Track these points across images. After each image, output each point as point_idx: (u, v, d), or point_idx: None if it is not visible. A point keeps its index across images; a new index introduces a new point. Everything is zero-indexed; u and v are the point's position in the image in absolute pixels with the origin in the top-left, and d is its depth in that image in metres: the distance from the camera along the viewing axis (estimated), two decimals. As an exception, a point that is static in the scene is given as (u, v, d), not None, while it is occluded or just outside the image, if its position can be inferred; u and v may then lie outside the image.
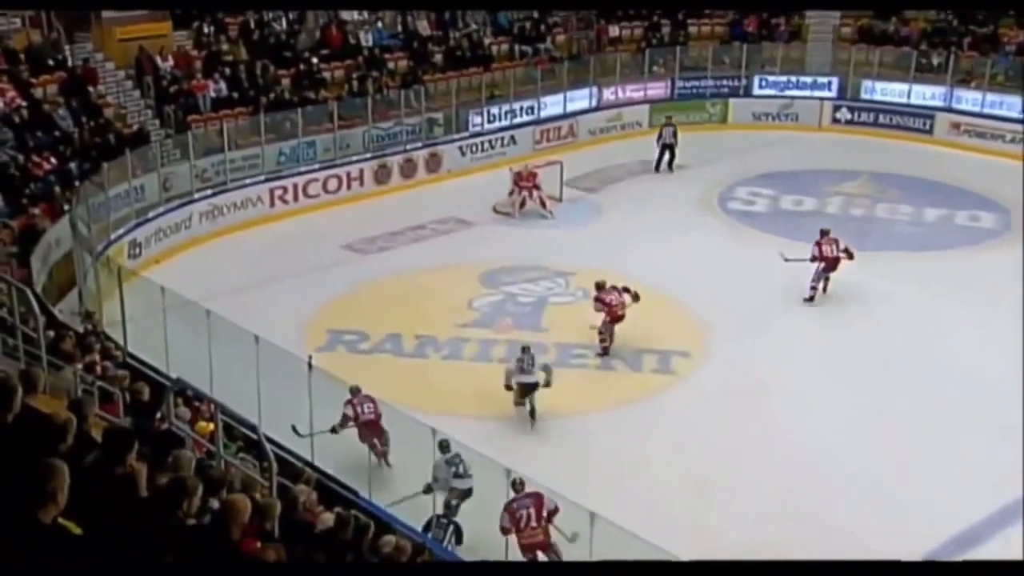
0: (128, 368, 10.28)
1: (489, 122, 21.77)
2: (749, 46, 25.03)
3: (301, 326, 14.08)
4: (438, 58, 22.71)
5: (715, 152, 21.37)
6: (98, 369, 9.74)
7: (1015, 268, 15.80)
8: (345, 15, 22.23)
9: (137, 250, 15.95)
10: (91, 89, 17.86)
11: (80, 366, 9.38)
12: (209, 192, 17.66)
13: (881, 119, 23.82)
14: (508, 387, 11.78)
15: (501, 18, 24.27)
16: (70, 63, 18.17)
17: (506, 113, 22.06)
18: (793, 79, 24.78)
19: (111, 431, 5.45)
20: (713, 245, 17.25)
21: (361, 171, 19.71)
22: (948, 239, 17.57)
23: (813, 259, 14.72)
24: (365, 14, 22.60)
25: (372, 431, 10.69)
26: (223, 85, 19.45)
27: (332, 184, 19.32)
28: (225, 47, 20.31)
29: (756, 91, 24.71)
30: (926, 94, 23.42)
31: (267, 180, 18.48)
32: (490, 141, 21.57)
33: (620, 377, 13.06)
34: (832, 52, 25.22)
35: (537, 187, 18.85)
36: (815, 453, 11.11)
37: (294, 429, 10.31)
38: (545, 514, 8.90)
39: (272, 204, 18.29)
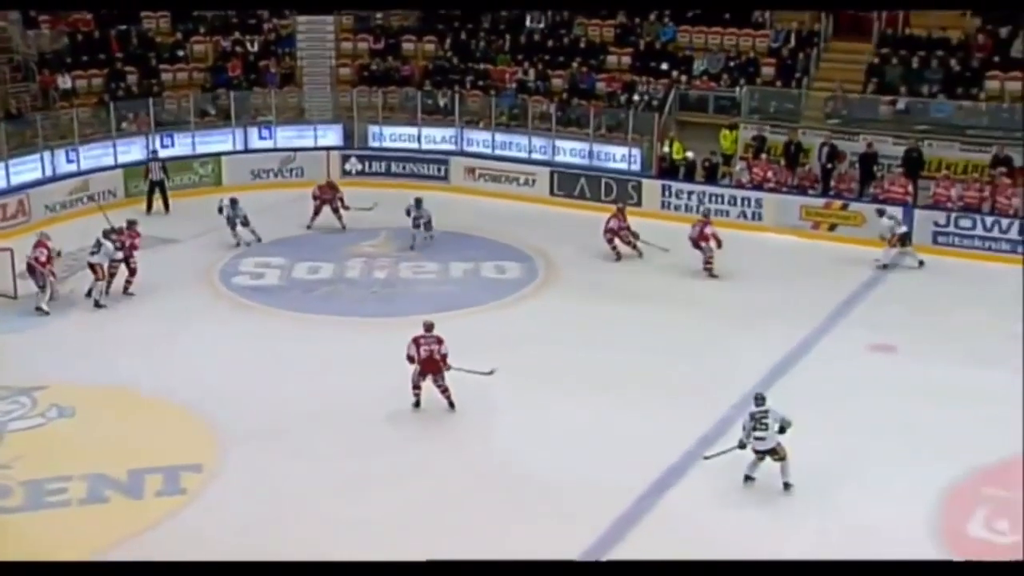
0: None
1: None
2: (237, 94, 26.16)
3: None
4: None
5: (211, 220, 21.83)
6: None
7: (539, 320, 18.21)
8: None
9: None
10: None
11: None
12: None
13: (394, 167, 26.17)
14: None
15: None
16: None
17: (-78, 194, 21.13)
18: (294, 129, 26.39)
19: None
20: (218, 331, 17.58)
21: None
22: (478, 295, 19.51)
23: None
24: None
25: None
26: None
27: None
28: None
29: (253, 145, 25.88)
30: (436, 137, 26.15)
31: None
32: (-101, 232, 20.39)
33: (116, 508, 12.73)
34: (332, 96, 27.23)
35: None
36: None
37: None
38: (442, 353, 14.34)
39: None
